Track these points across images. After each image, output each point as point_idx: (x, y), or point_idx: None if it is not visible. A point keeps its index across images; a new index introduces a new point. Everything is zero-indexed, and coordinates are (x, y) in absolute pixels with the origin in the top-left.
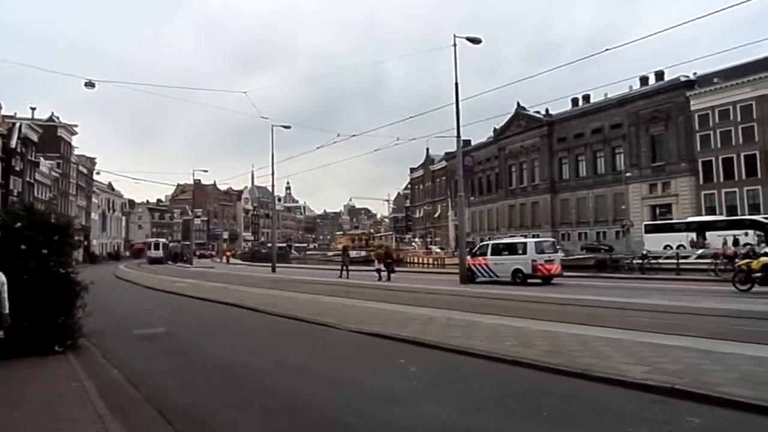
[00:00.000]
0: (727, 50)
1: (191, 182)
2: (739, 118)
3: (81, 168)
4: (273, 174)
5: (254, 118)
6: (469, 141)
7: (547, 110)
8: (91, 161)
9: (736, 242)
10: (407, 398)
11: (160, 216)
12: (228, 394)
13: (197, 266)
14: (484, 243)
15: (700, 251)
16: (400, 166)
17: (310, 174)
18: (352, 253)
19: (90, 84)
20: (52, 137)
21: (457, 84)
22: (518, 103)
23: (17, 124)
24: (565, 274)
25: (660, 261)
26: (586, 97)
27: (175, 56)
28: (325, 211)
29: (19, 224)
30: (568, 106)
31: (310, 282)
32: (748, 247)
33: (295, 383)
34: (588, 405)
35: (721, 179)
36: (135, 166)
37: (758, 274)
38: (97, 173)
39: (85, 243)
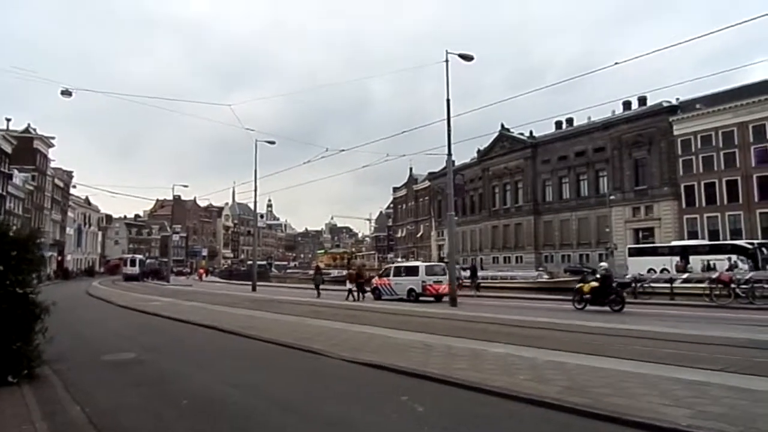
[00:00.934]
0: (706, 76)
1: (171, 198)
2: (721, 144)
3: (57, 181)
4: (255, 190)
5: (237, 134)
6: (454, 161)
7: (531, 132)
8: (68, 174)
9: (731, 267)
10: None
11: (137, 231)
12: None
13: (174, 284)
14: (388, 266)
15: (685, 275)
16: (381, 185)
17: (291, 192)
18: (334, 272)
19: (67, 92)
20: (27, 149)
21: (448, 100)
22: (502, 125)
23: None
24: (550, 297)
25: (653, 285)
26: (570, 120)
27: (158, 71)
28: (306, 229)
29: None
30: (551, 129)
31: (293, 302)
32: (741, 271)
33: (285, 426)
34: None
35: (704, 204)
36: (113, 181)
37: (587, 296)
38: (74, 187)
39: (59, 258)
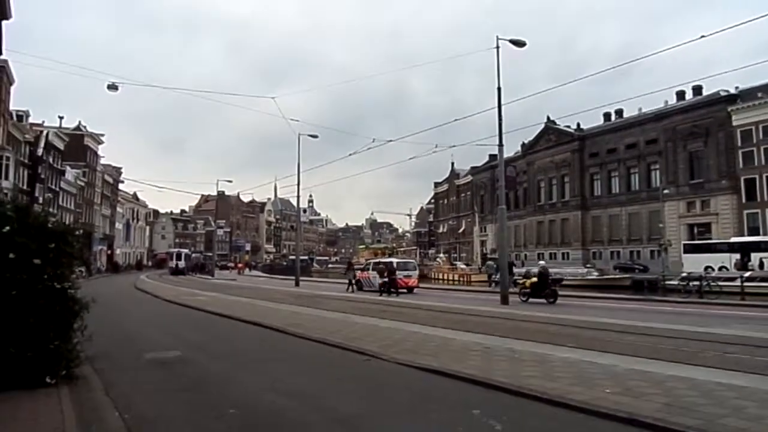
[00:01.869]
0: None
1: (215, 193)
2: None
3: (106, 177)
4: (299, 184)
5: (280, 129)
6: (496, 155)
7: (578, 124)
8: (117, 171)
9: None
10: None
11: (183, 226)
12: None
13: (219, 278)
14: (369, 261)
15: (747, 273)
16: (421, 180)
17: (332, 188)
18: None
19: (113, 86)
20: (78, 146)
21: (499, 88)
22: (548, 117)
23: (44, 132)
24: (599, 295)
25: (720, 284)
26: (619, 112)
27: (202, 69)
28: (347, 224)
29: (7, 228)
30: (598, 122)
31: (337, 298)
32: None
33: None
34: None
35: (765, 198)
36: (160, 177)
37: (527, 290)
38: (122, 182)
39: (109, 252)
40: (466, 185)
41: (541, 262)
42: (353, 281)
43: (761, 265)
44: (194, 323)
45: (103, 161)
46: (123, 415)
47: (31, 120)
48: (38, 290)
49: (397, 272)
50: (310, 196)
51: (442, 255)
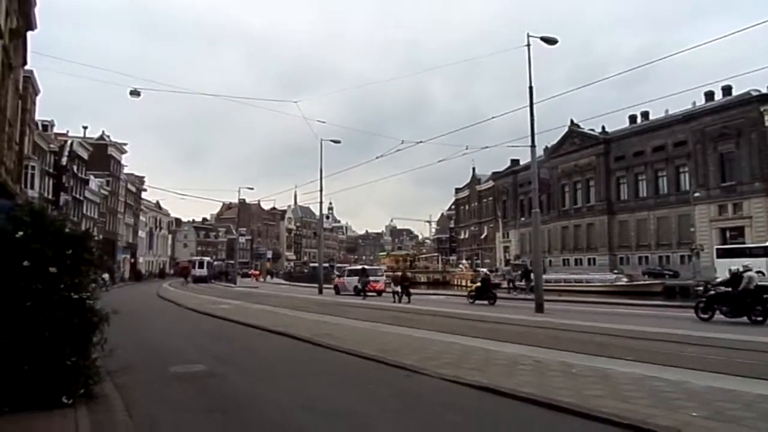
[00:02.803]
0: None
1: (236, 201)
2: None
3: (129, 186)
4: (321, 190)
5: (301, 136)
6: (518, 160)
7: (603, 127)
8: (140, 180)
9: None
10: None
11: (205, 234)
12: None
13: (241, 285)
14: (345, 269)
15: None
16: (440, 187)
17: (351, 195)
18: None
19: (135, 93)
20: (102, 155)
21: (531, 87)
22: (572, 121)
23: (68, 142)
24: (631, 302)
25: None
26: (645, 114)
27: (223, 80)
28: (367, 231)
29: (21, 233)
30: (622, 125)
31: (361, 306)
32: None
33: None
34: None
35: None
36: (182, 186)
37: (474, 293)
38: (145, 190)
39: (132, 261)
40: (487, 191)
41: (483, 270)
42: (365, 288)
43: None
44: (219, 333)
45: (126, 170)
46: None
47: (55, 130)
48: (54, 301)
49: (367, 278)
50: (330, 203)
51: (464, 261)
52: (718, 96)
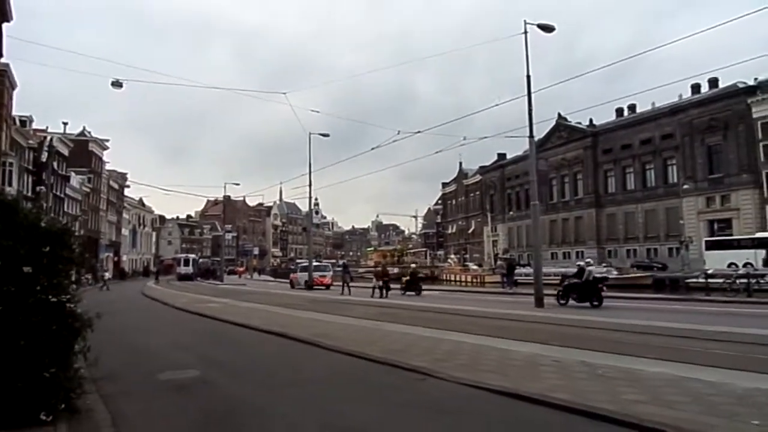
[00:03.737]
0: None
1: (221, 197)
2: None
3: (112, 183)
4: (310, 185)
5: (287, 131)
6: (505, 155)
7: (590, 120)
8: (123, 176)
9: None
10: None
11: (189, 232)
12: None
13: (228, 283)
14: (299, 263)
15: None
16: (427, 182)
17: (337, 192)
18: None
19: (117, 83)
20: (83, 152)
21: (529, 76)
22: (559, 114)
23: (48, 138)
24: (621, 295)
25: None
26: (632, 107)
27: (210, 77)
28: (353, 227)
29: None
30: (609, 117)
31: (356, 303)
32: None
33: None
34: None
35: None
36: (166, 182)
37: (404, 285)
38: (128, 186)
39: (116, 259)
40: (475, 185)
41: (414, 264)
42: (348, 283)
43: None
44: (210, 334)
45: (108, 167)
46: None
47: (34, 126)
48: (29, 305)
49: (315, 273)
50: (316, 199)
51: (453, 256)
52: (705, 88)
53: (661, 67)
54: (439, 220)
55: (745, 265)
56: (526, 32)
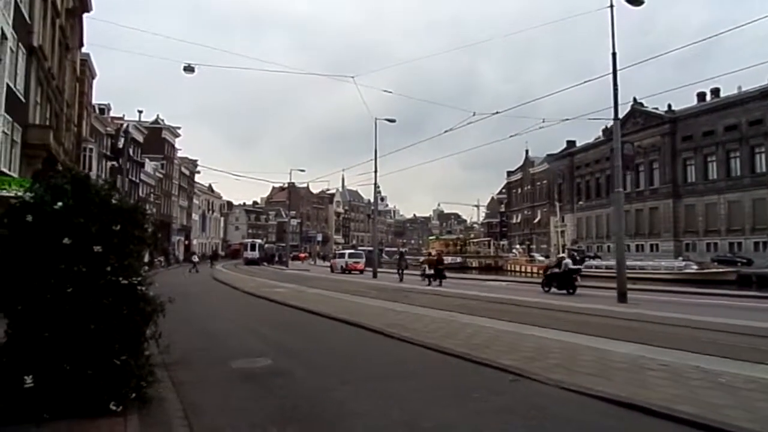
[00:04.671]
0: None
1: (286, 184)
2: None
3: (183, 169)
4: (375, 171)
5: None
6: (574, 142)
7: (669, 106)
8: (193, 163)
9: None
10: None
11: (255, 217)
12: None
13: (293, 268)
14: (337, 252)
15: None
16: (488, 171)
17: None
18: (447, 259)
19: (189, 68)
20: (156, 139)
21: (614, 53)
22: (635, 99)
23: (124, 125)
24: (708, 291)
25: None
26: (715, 91)
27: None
28: (414, 215)
29: (60, 204)
30: (685, 103)
31: (421, 291)
32: None
33: None
34: None
35: None
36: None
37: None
38: (198, 172)
39: (186, 242)
40: (542, 173)
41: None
42: (403, 270)
43: None
44: (280, 321)
45: (179, 154)
46: None
47: (112, 114)
48: (100, 287)
49: (349, 259)
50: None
51: (518, 246)
52: None
53: (739, 51)
54: (502, 210)
55: None
56: (612, 6)
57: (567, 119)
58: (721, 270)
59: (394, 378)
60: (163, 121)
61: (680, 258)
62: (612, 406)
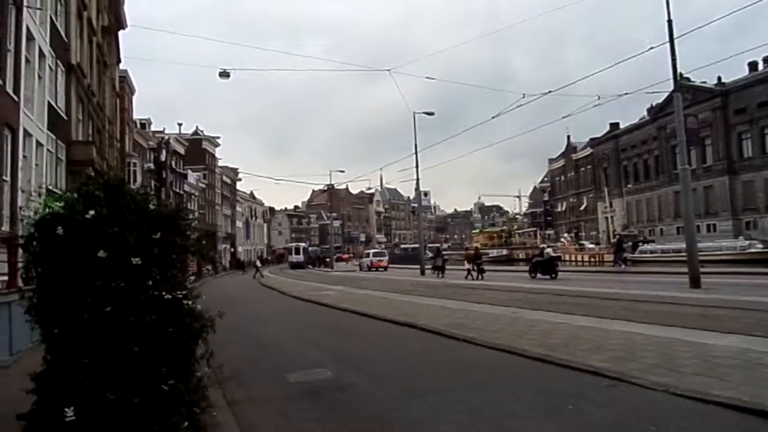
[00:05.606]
0: None
1: (325, 186)
2: None
3: (225, 178)
4: (417, 165)
5: (388, 116)
6: (617, 124)
7: (719, 78)
8: (234, 171)
9: None
10: None
11: (297, 221)
12: None
13: (338, 270)
14: (365, 252)
15: None
16: (527, 160)
17: (437, 173)
18: (493, 252)
19: (225, 74)
20: (197, 150)
21: (670, 20)
22: (681, 74)
23: (165, 138)
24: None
25: None
26: None
27: (305, 65)
28: (455, 210)
29: (92, 213)
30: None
31: (472, 287)
32: None
33: None
34: None
35: None
36: (273, 175)
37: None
38: (240, 180)
39: (232, 250)
40: (585, 159)
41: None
42: (440, 265)
43: None
44: (333, 325)
45: (220, 163)
46: None
47: (152, 128)
48: (141, 304)
49: (373, 258)
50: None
51: (566, 235)
52: None
53: None
54: (546, 198)
55: None
56: None
57: (626, 93)
58: None
59: (472, 388)
60: (202, 132)
61: (741, 237)
62: (732, 412)
